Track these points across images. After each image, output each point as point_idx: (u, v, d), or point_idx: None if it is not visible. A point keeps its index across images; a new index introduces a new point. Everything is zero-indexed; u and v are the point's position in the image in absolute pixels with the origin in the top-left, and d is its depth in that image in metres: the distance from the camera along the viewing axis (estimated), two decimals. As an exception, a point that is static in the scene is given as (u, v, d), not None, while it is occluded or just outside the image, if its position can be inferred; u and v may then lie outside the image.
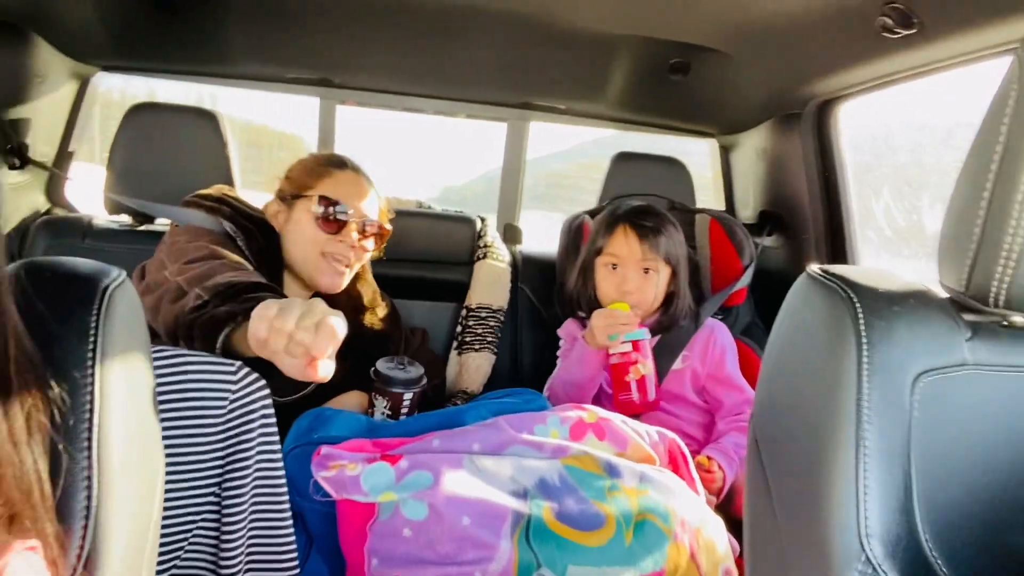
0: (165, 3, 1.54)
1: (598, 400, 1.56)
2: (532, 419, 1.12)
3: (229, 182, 1.72)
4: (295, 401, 1.16)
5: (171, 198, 1.45)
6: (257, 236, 1.31)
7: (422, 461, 1.00)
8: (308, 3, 1.53)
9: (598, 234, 1.58)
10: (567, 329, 1.68)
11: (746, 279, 1.78)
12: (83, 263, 0.62)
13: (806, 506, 0.62)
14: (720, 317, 1.79)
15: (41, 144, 1.73)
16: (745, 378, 1.60)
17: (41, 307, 0.56)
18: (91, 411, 0.55)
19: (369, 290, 1.53)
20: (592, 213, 1.87)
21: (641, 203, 1.61)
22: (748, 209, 2.08)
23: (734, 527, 1.25)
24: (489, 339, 1.81)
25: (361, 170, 1.41)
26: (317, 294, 1.38)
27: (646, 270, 1.51)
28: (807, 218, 1.82)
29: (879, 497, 0.58)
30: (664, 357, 1.54)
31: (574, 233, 1.84)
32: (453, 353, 1.82)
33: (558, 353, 1.68)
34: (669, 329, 1.56)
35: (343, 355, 1.41)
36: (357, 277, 1.50)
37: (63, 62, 1.73)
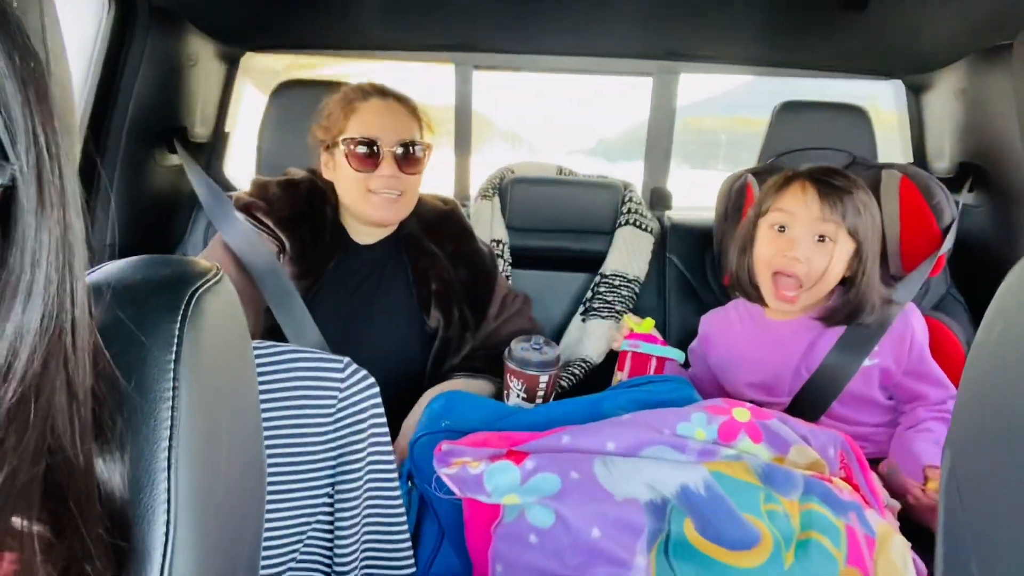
0: None
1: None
2: (675, 415, 1.00)
3: None
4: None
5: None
6: (284, 200, 1.34)
7: (549, 462, 0.91)
8: None
9: (766, 194, 1.34)
10: (706, 323, 1.50)
11: (946, 246, 1.49)
12: (175, 263, 0.58)
13: None
14: (910, 292, 1.54)
15: (198, 126, 1.81)
16: (940, 361, 1.35)
17: (129, 315, 0.52)
18: (171, 428, 0.51)
19: (459, 229, 1.47)
20: (755, 172, 1.67)
21: (817, 164, 1.35)
22: (943, 161, 1.77)
23: (922, 539, 1.06)
24: (618, 308, 1.69)
25: (389, 92, 1.35)
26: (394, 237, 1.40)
27: (821, 237, 1.24)
28: (1020, 170, 1.51)
29: None
30: (850, 353, 1.30)
31: (735, 195, 1.65)
32: (577, 318, 1.73)
33: (690, 347, 1.52)
34: (843, 321, 1.30)
35: (429, 299, 1.37)
36: (445, 217, 1.45)
37: (212, 45, 1.78)
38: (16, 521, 0.40)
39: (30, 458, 0.41)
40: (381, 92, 1.33)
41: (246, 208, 1.33)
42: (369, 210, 1.31)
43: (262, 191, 1.36)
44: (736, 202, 1.64)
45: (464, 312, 1.38)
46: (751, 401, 1.37)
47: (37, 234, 0.42)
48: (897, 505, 1.15)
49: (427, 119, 1.37)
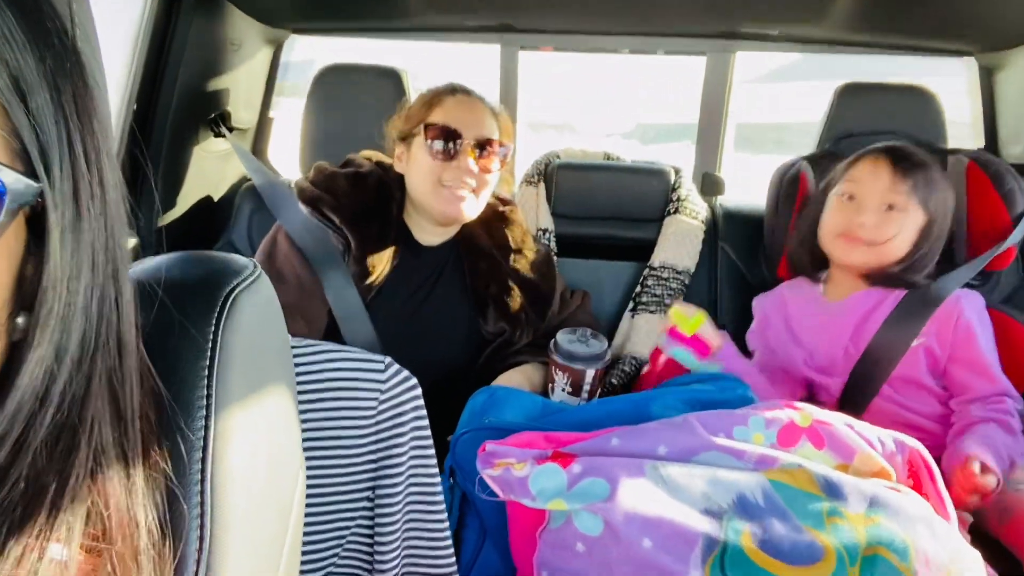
0: None
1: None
2: (730, 419, 0.94)
3: None
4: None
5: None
6: (353, 195, 1.30)
7: (598, 466, 0.87)
8: None
9: (837, 172, 1.34)
10: (759, 304, 1.47)
11: (1016, 236, 1.40)
12: (211, 261, 0.55)
13: None
14: (976, 283, 1.45)
15: (242, 111, 1.80)
16: (1009, 358, 1.28)
17: (163, 317, 0.49)
18: (204, 438, 0.48)
19: (518, 232, 1.43)
20: (811, 159, 1.59)
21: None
22: (1019, 145, 1.66)
23: (995, 552, 1.00)
24: (667, 301, 1.63)
25: (473, 92, 1.32)
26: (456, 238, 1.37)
27: (890, 206, 1.23)
28: None
29: None
30: (899, 331, 1.26)
31: (787, 184, 1.58)
32: (627, 314, 1.68)
33: (749, 331, 1.47)
34: (894, 283, 1.28)
35: (487, 303, 1.34)
36: (504, 218, 1.41)
37: (256, 28, 1.76)
38: (56, 549, 0.37)
39: (73, 487, 0.38)
40: (465, 90, 1.32)
41: (312, 202, 1.30)
42: (439, 204, 1.27)
43: (329, 183, 1.31)
44: (788, 191, 1.57)
45: (525, 313, 1.36)
46: (809, 380, 1.33)
47: (75, 250, 0.38)
48: (969, 517, 1.09)
49: (507, 124, 1.35)
